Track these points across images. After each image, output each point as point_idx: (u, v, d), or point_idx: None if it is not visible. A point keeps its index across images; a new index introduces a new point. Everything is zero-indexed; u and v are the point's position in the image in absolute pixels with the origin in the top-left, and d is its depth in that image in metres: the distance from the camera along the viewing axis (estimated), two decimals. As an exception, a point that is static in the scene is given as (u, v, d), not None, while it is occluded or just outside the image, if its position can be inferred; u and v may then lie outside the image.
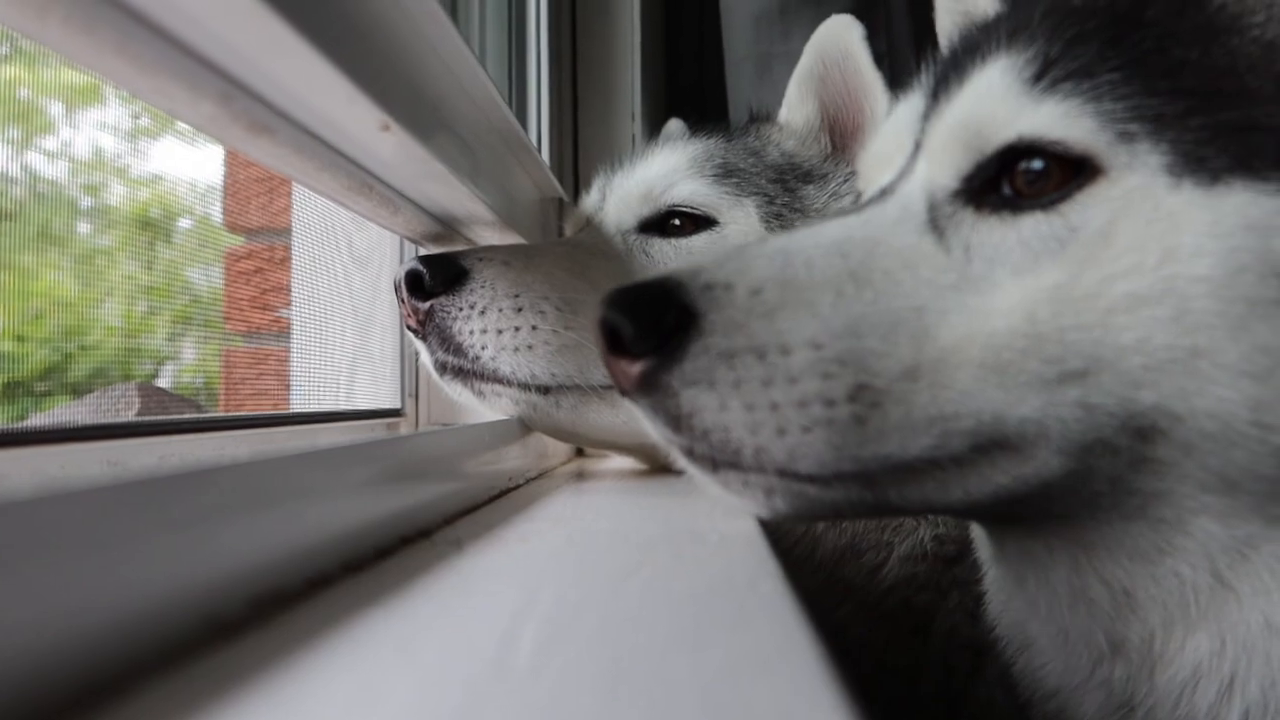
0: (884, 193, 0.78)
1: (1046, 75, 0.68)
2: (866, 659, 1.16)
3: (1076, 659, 0.74)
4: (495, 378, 1.20)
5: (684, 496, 1.13)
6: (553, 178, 1.73)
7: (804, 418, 0.66)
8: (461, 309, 1.20)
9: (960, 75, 0.76)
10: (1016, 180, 0.69)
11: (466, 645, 0.47)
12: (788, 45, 1.45)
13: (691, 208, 1.30)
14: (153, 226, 1.10)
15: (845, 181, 1.32)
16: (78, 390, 0.97)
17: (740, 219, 1.28)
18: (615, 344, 0.72)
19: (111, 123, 0.97)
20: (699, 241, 1.28)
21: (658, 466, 1.36)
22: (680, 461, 0.73)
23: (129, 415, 1.00)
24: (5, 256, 0.81)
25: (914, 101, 0.83)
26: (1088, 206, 0.65)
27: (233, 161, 1.25)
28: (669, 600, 0.59)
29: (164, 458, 0.88)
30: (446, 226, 1.35)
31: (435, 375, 1.26)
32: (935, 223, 0.72)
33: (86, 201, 0.97)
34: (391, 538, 0.73)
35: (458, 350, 1.21)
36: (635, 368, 0.71)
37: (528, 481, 1.25)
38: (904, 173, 0.78)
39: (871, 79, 1.33)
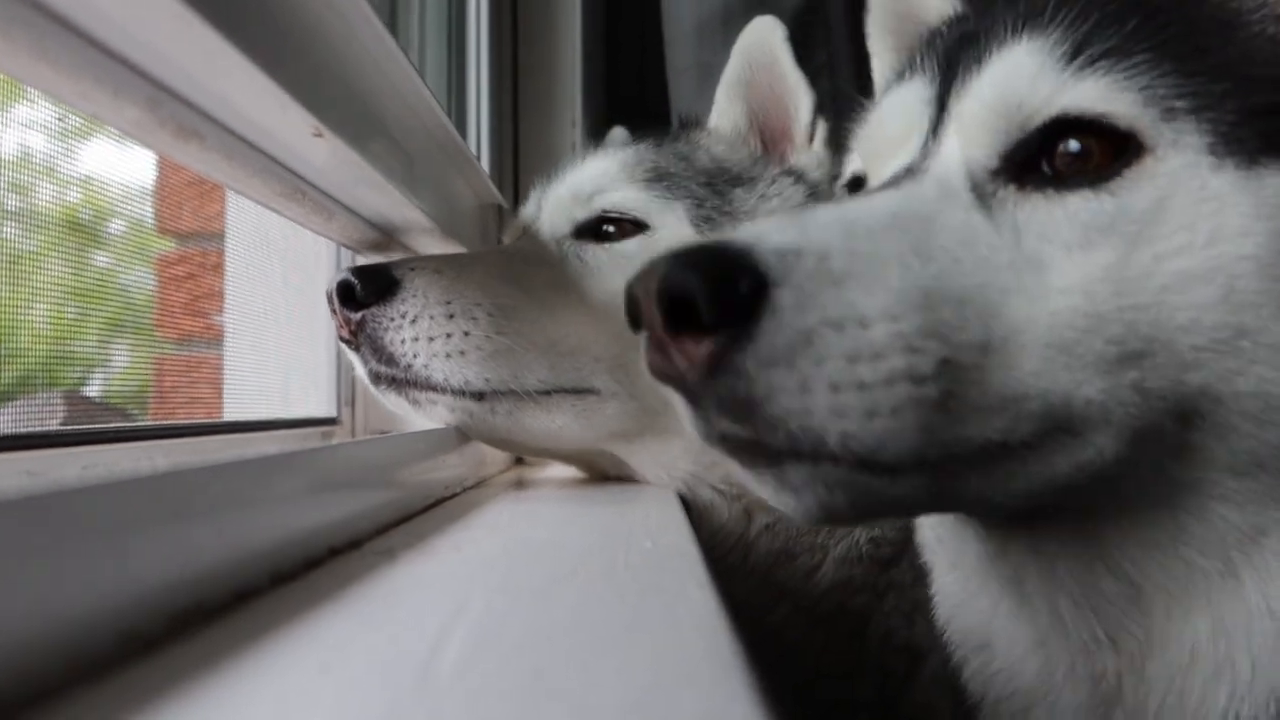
0: (911, 172, 0.75)
1: (1083, 53, 0.69)
2: (804, 662, 1.17)
3: (1058, 656, 0.74)
4: (428, 385, 1.20)
5: (621, 505, 1.13)
6: (492, 185, 1.72)
7: (893, 397, 0.59)
8: (393, 319, 1.19)
9: (976, 58, 0.75)
10: (1056, 160, 0.69)
11: (390, 657, 0.47)
12: (729, 55, 1.46)
13: (621, 213, 1.31)
14: (82, 229, 1.07)
15: (773, 183, 1.33)
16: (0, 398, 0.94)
17: (671, 223, 1.29)
18: (680, 317, 0.61)
19: (40, 121, 0.94)
20: (631, 246, 1.29)
21: (597, 475, 1.37)
22: (725, 459, 0.66)
23: (52, 424, 0.97)
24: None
25: (916, 86, 0.82)
26: (1136, 184, 0.66)
27: (165, 164, 1.23)
28: (599, 608, 0.59)
29: (87, 468, 0.86)
30: (384, 234, 1.34)
31: (370, 386, 1.26)
32: (981, 200, 0.70)
33: (12, 202, 0.95)
34: (321, 548, 0.72)
35: (390, 360, 1.20)
36: (702, 346, 0.60)
37: (464, 490, 1.24)
38: (926, 153, 0.76)
39: (795, 81, 1.35)
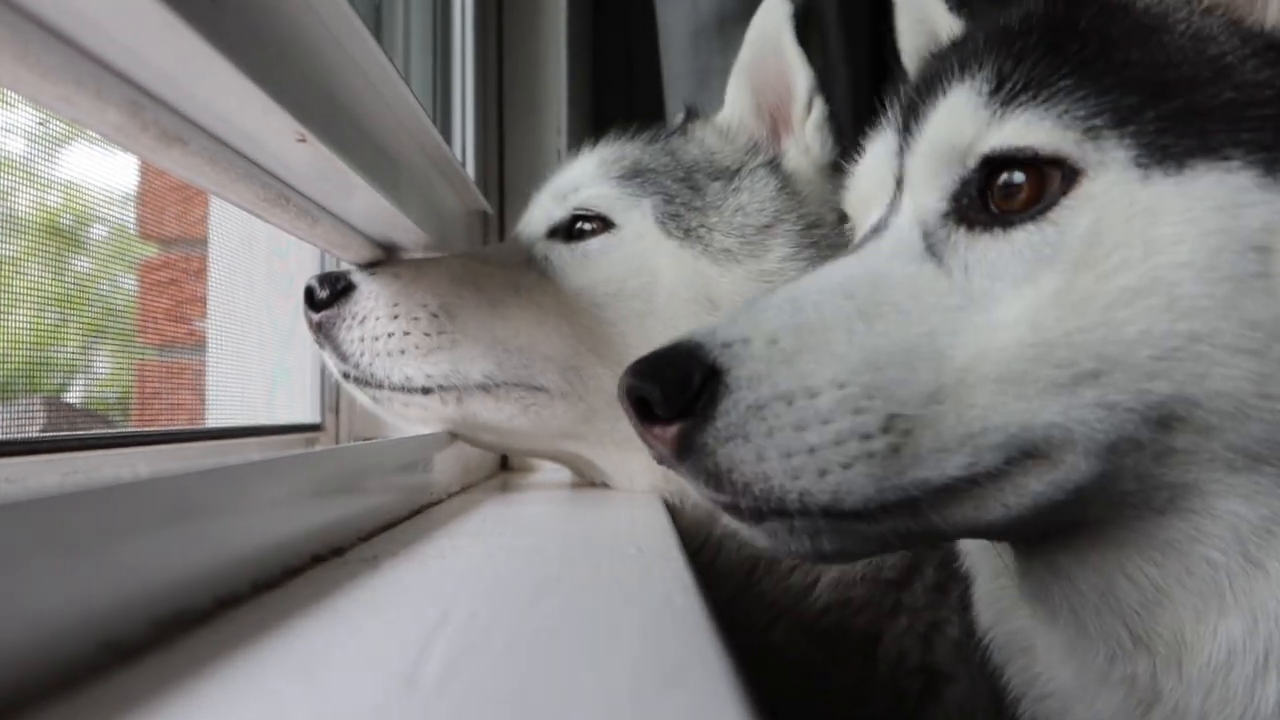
0: (876, 230, 0.80)
1: (1001, 91, 0.72)
2: (806, 680, 1.16)
3: (1091, 659, 0.75)
4: (375, 383, 1.25)
5: (606, 510, 1.13)
6: (477, 191, 1.72)
7: (842, 455, 0.67)
8: (345, 319, 1.26)
9: (927, 106, 0.78)
10: (996, 195, 0.72)
11: (373, 665, 0.47)
12: (725, 60, 1.46)
13: (590, 210, 1.31)
14: (63, 234, 1.07)
15: (747, 176, 1.31)
16: (-21, 405, 0.93)
17: (635, 220, 1.29)
18: (646, 413, 0.73)
19: (20, 125, 0.94)
20: (595, 244, 1.30)
21: (586, 479, 1.36)
22: (726, 520, 0.74)
23: (33, 431, 0.97)
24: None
25: (887, 139, 0.85)
26: (1074, 211, 0.67)
27: (147, 169, 1.22)
28: (584, 615, 0.59)
29: (68, 475, 0.85)
30: (368, 240, 1.33)
31: (341, 382, 1.31)
32: (932, 248, 0.74)
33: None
34: (304, 556, 0.71)
35: (344, 359, 1.26)
36: (669, 432, 0.71)
37: (449, 496, 1.24)
38: (892, 207, 0.80)
39: (793, 58, 1.33)
